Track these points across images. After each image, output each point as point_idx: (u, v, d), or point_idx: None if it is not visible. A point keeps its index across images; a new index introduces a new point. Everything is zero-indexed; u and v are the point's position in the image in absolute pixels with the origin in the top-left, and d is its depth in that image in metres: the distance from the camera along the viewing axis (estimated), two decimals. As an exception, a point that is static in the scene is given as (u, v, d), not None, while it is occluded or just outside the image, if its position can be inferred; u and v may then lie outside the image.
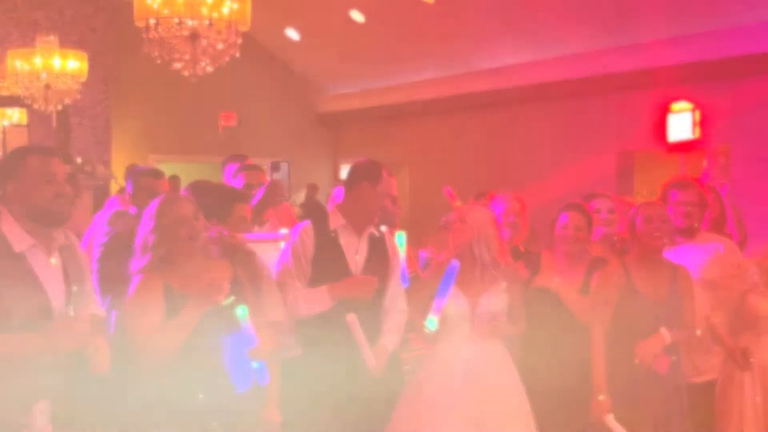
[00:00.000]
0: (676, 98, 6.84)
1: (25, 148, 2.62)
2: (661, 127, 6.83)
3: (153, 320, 2.37)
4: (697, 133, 6.50)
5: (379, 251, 3.39)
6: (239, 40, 6.57)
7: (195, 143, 9.49)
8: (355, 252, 3.28)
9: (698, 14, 6.36)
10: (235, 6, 6.46)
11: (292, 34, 9.28)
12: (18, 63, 7.67)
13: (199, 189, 3.07)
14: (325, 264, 3.24)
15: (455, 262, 3.23)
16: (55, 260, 2.32)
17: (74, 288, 2.34)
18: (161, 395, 2.37)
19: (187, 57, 6.61)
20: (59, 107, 8.12)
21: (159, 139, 9.44)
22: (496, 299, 3.32)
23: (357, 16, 8.50)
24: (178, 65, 6.56)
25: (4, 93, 8.23)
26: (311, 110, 10.87)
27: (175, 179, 6.57)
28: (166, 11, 6.38)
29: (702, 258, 3.27)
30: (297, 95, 10.64)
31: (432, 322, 3.13)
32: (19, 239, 2.23)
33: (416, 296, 3.31)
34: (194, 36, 6.46)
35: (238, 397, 2.47)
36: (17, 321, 2.19)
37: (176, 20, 6.32)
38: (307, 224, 3.31)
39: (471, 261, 3.27)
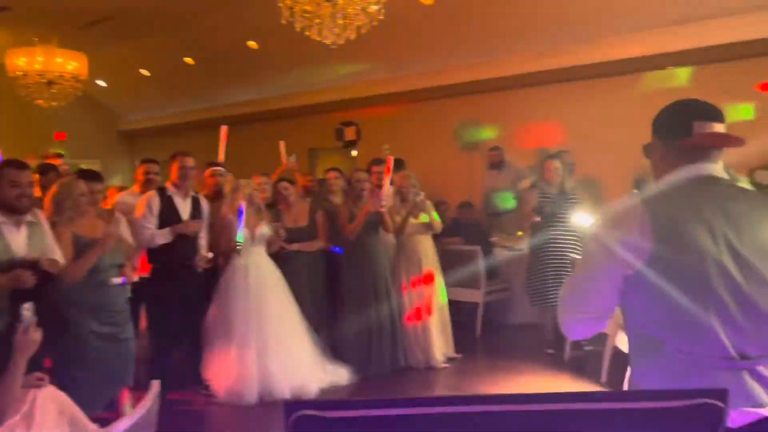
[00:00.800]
0: (348, 118, 10.08)
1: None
2: (340, 134, 10.15)
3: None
4: (357, 137, 10.14)
5: (196, 207, 5.04)
6: (79, 86, 9.18)
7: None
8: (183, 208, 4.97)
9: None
10: (76, 64, 9.09)
11: (101, 82, 11.76)
12: None
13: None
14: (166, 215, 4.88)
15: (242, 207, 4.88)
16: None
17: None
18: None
19: (45, 96, 9.07)
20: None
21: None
22: (265, 228, 5.06)
23: (144, 72, 10.98)
24: (40, 101, 9.12)
25: None
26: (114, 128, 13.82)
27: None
28: (36, 65, 8.78)
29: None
30: (105, 119, 13.52)
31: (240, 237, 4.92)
32: None
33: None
34: (51, 83, 8.98)
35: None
36: None
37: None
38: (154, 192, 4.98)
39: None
